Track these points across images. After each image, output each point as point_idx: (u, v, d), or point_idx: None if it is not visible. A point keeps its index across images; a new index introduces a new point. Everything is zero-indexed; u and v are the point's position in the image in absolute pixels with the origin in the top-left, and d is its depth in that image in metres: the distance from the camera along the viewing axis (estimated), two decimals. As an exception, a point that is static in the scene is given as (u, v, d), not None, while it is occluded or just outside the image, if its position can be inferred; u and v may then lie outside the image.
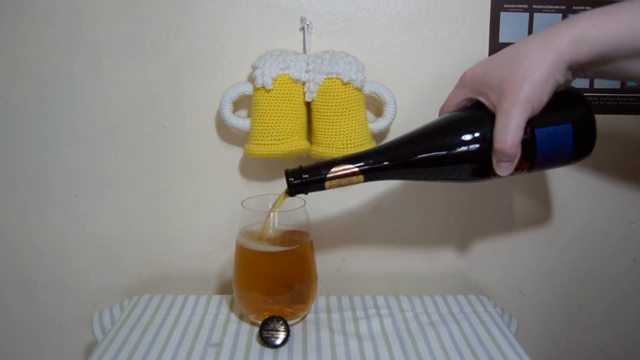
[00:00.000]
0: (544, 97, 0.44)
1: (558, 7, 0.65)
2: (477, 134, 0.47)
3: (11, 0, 0.63)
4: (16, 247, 0.70)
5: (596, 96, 0.67)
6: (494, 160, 0.46)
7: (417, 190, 0.69)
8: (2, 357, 0.73)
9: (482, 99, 0.48)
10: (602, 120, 0.68)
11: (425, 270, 0.71)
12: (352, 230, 0.70)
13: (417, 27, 0.64)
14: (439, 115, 0.53)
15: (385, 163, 0.49)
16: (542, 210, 0.70)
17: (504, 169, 0.46)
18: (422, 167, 0.49)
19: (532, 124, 0.45)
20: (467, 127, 0.47)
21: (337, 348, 0.53)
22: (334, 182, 0.50)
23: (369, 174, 0.49)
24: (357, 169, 0.49)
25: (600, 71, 0.44)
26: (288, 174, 0.50)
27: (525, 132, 0.44)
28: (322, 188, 0.50)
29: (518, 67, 0.44)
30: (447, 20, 0.64)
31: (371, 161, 0.49)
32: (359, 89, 0.60)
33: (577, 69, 0.44)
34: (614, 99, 0.68)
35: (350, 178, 0.49)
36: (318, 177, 0.50)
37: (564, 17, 0.65)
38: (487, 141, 0.46)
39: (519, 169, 0.47)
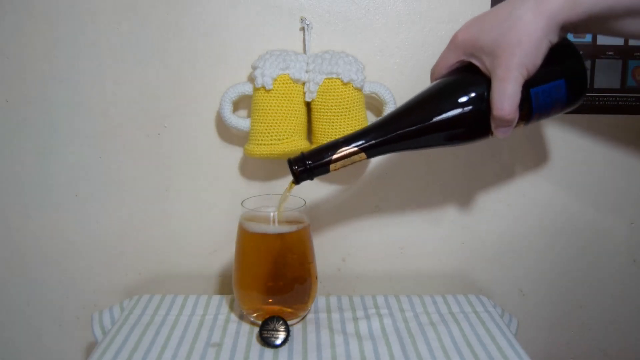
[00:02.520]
0: (538, 59, 0.44)
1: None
2: (473, 96, 0.47)
3: (11, 0, 0.63)
4: (16, 247, 0.70)
5: (596, 96, 0.67)
6: (493, 125, 0.47)
7: (417, 190, 0.69)
8: (2, 357, 0.73)
9: (475, 62, 0.48)
10: (602, 120, 0.68)
11: (425, 270, 0.71)
12: (352, 230, 0.70)
13: (417, 27, 0.64)
14: (431, 77, 0.52)
15: (386, 137, 0.50)
16: (542, 210, 0.70)
17: (503, 132, 0.47)
18: (423, 135, 0.49)
19: (527, 84, 0.45)
20: (463, 90, 0.48)
21: (337, 348, 0.53)
22: (337, 164, 0.50)
23: (371, 151, 0.50)
24: (358, 148, 0.50)
25: (592, 29, 0.45)
26: (291, 163, 0.51)
27: (521, 93, 0.45)
28: (327, 171, 0.51)
29: (511, 31, 0.44)
30: (447, 20, 0.64)
31: (372, 138, 0.50)
32: (359, 89, 0.60)
33: (569, 28, 0.44)
34: (614, 99, 0.68)
35: (353, 157, 0.50)
36: (321, 161, 0.50)
37: (564, 17, 0.65)
38: (484, 102, 0.47)
39: (516, 126, 0.48)
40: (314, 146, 0.62)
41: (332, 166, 0.50)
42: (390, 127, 0.50)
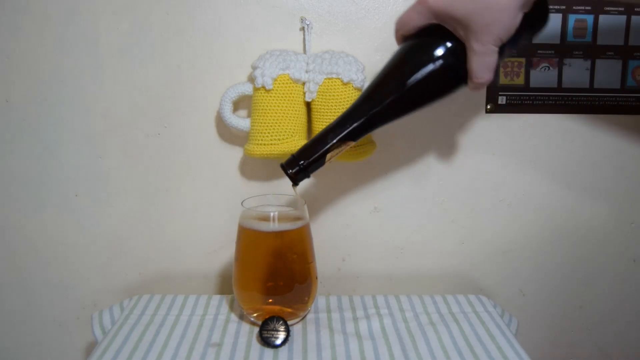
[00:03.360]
0: (513, 29, 0.45)
1: (558, 7, 0.65)
2: (448, 58, 0.48)
3: (11, 0, 0.63)
4: (16, 247, 0.70)
5: (596, 96, 0.67)
6: (471, 86, 0.49)
7: (417, 190, 0.69)
8: (2, 357, 0.73)
9: (447, 27, 0.48)
10: (602, 120, 0.68)
11: (425, 270, 0.71)
12: (352, 230, 0.70)
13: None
14: (396, 34, 0.52)
15: (368, 118, 0.50)
16: (542, 210, 0.70)
17: (480, 90, 0.50)
18: (404, 103, 0.50)
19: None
20: (436, 52, 0.48)
21: (337, 348, 0.53)
22: (328, 155, 0.50)
23: (359, 135, 0.51)
24: (345, 137, 0.50)
25: None
26: (284, 167, 0.51)
27: None
28: (322, 165, 0.51)
29: (487, 9, 0.44)
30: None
31: (356, 123, 0.50)
32: (359, 89, 0.60)
33: None
34: (613, 99, 0.68)
35: (341, 148, 0.51)
36: (314, 156, 0.50)
37: (564, 17, 0.65)
38: (458, 60, 0.47)
39: None
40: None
41: (326, 157, 0.51)
42: (372, 105, 0.50)
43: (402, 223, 0.70)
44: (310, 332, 0.56)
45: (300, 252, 0.57)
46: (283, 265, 0.57)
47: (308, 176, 0.52)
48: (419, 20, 0.49)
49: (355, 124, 0.50)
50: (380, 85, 0.51)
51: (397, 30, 0.51)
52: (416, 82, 0.48)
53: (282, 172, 0.67)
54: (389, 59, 0.51)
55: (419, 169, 0.68)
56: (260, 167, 0.67)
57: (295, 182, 0.52)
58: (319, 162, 0.51)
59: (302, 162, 0.50)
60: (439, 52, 0.48)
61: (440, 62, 0.48)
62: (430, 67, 0.48)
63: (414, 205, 0.69)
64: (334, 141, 0.50)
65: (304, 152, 0.51)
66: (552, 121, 0.68)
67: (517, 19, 0.45)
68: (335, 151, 0.51)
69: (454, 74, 0.49)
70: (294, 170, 0.51)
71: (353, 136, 0.51)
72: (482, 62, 0.46)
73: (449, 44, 0.48)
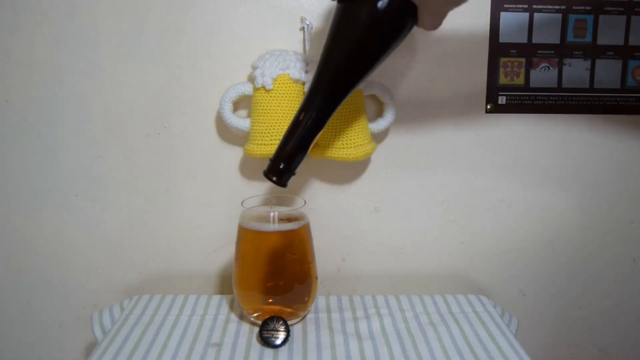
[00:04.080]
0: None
1: (558, 7, 0.65)
2: (396, 11, 0.47)
3: (11, 0, 0.63)
4: (16, 247, 0.70)
5: (596, 96, 0.67)
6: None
7: (417, 190, 0.69)
8: (2, 357, 0.73)
9: None
10: (602, 120, 0.68)
11: (425, 270, 0.71)
12: (352, 230, 0.70)
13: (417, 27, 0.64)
14: None
15: (332, 92, 0.49)
16: (542, 210, 0.70)
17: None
18: (361, 64, 0.49)
19: None
20: (383, 4, 0.47)
21: (337, 348, 0.53)
22: (308, 146, 0.50)
23: (329, 113, 0.50)
24: (316, 121, 0.49)
25: None
26: (267, 175, 0.50)
27: None
28: (303, 157, 0.51)
29: None
30: (447, 20, 0.64)
31: (322, 102, 0.49)
32: (359, 90, 0.60)
33: None
34: (614, 99, 0.68)
35: (316, 132, 0.50)
36: (290, 155, 0.50)
37: (564, 17, 0.65)
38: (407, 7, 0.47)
39: None
40: (313, 146, 0.62)
41: (306, 149, 0.50)
42: (331, 75, 0.49)
43: (402, 223, 0.70)
44: (310, 332, 0.56)
45: (300, 252, 0.57)
46: (283, 265, 0.57)
47: (293, 174, 0.51)
48: None
49: (321, 103, 0.49)
50: (333, 52, 0.49)
51: None
52: (367, 39, 0.47)
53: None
54: (331, 23, 0.50)
55: (419, 169, 0.68)
56: (260, 167, 0.67)
57: (283, 185, 0.51)
58: (299, 156, 0.50)
59: (281, 164, 0.50)
60: (384, 5, 0.46)
61: (391, 8, 0.46)
62: (380, 21, 0.47)
63: (414, 205, 0.69)
64: (305, 130, 0.49)
65: (280, 153, 0.50)
66: (552, 121, 0.68)
67: None
68: (312, 139, 0.49)
69: (403, 21, 0.48)
70: (276, 176, 0.50)
71: (323, 116, 0.49)
72: (435, 22, 0.48)
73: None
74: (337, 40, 0.49)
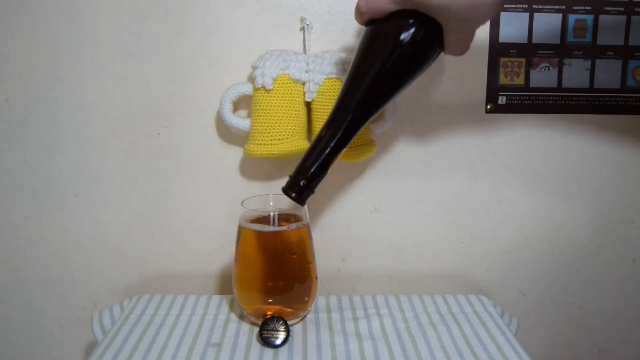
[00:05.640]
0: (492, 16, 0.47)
1: (558, 7, 0.65)
2: (424, 36, 0.47)
3: (11, 0, 0.63)
4: (16, 247, 0.70)
5: (596, 96, 0.67)
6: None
7: (417, 190, 0.69)
8: (2, 357, 0.73)
9: (421, 9, 0.46)
10: (602, 120, 0.68)
11: (425, 270, 0.71)
12: (352, 230, 0.70)
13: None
14: (362, 18, 0.49)
15: (358, 112, 0.49)
16: (541, 210, 0.70)
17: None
18: (389, 87, 0.49)
19: None
20: (413, 31, 0.47)
21: (337, 348, 0.53)
22: (329, 168, 0.49)
23: (353, 133, 0.49)
24: (340, 140, 0.48)
25: None
26: (286, 191, 0.50)
27: None
28: (324, 176, 0.50)
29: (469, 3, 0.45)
30: (447, 20, 0.64)
31: (347, 122, 0.48)
32: (359, 89, 0.60)
33: None
34: (614, 99, 0.68)
35: (339, 152, 0.49)
36: (312, 172, 0.49)
37: (564, 17, 0.65)
38: (434, 32, 0.47)
39: None
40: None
41: (327, 168, 0.49)
42: (359, 96, 0.48)
43: (402, 223, 0.70)
44: (310, 332, 0.56)
45: (300, 252, 0.57)
46: (283, 265, 0.57)
47: (313, 192, 0.50)
48: (392, 7, 0.47)
49: (347, 123, 0.48)
50: (361, 74, 0.49)
51: (362, 14, 0.49)
52: (396, 63, 0.47)
53: (282, 172, 0.68)
54: (360, 44, 0.50)
55: (419, 169, 0.68)
56: (260, 167, 0.67)
57: (301, 203, 0.50)
58: (321, 175, 0.49)
59: (302, 181, 0.49)
60: (414, 31, 0.47)
61: (416, 39, 0.47)
62: (408, 46, 0.47)
63: (414, 205, 0.69)
64: (329, 149, 0.48)
65: (301, 169, 0.49)
66: (552, 121, 0.68)
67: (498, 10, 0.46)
68: (334, 157, 0.49)
69: (431, 47, 0.48)
70: (296, 193, 0.49)
71: (348, 135, 0.49)
72: (461, 44, 0.47)
73: (421, 24, 0.46)
74: (364, 64, 0.49)
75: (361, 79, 0.49)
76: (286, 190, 0.50)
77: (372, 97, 0.49)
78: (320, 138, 0.49)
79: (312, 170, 0.49)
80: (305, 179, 0.49)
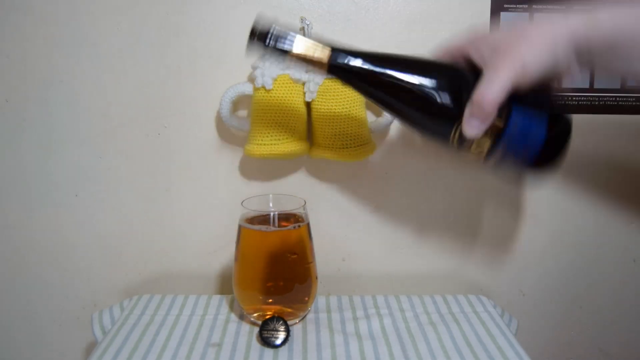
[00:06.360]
0: (537, 64, 0.40)
1: (558, 7, 0.65)
2: (454, 86, 0.44)
3: (11, 0, 0.63)
4: (16, 246, 0.70)
5: (596, 96, 0.67)
6: (466, 114, 0.43)
7: (417, 190, 0.69)
8: (2, 357, 0.73)
9: (475, 57, 0.45)
10: (602, 120, 0.68)
11: (425, 270, 0.71)
12: (352, 230, 0.70)
13: (417, 27, 0.64)
14: (442, 54, 0.49)
15: (357, 66, 0.46)
16: (541, 210, 0.70)
17: (472, 126, 0.43)
18: (392, 93, 0.46)
19: (513, 96, 0.41)
20: (449, 75, 0.45)
21: (337, 348, 0.53)
22: (295, 58, 0.46)
23: (335, 70, 0.46)
24: (327, 57, 0.45)
25: (608, 61, 0.42)
26: (255, 33, 0.45)
27: (504, 103, 0.41)
28: (281, 57, 0.46)
29: (522, 30, 0.42)
30: (447, 20, 0.64)
31: (347, 57, 0.46)
32: (359, 89, 0.60)
33: (584, 53, 0.41)
34: (614, 99, 0.68)
35: (314, 61, 0.45)
36: (281, 47, 0.45)
37: (564, 17, 0.65)
38: (462, 99, 0.43)
39: (480, 143, 0.44)
40: (313, 146, 0.62)
41: (288, 57, 0.45)
42: (368, 61, 0.46)
43: (402, 223, 0.70)
44: (310, 332, 0.56)
45: (300, 252, 0.57)
46: (283, 265, 0.57)
47: (266, 45, 0.45)
48: (457, 51, 0.46)
49: (344, 60, 0.45)
50: (393, 61, 0.47)
51: (445, 52, 0.49)
52: (421, 91, 0.45)
53: (281, 172, 0.68)
54: (424, 56, 0.48)
55: (419, 169, 0.68)
56: (260, 167, 0.67)
57: (251, 41, 0.46)
58: (281, 55, 0.45)
59: (270, 42, 0.45)
60: (454, 81, 0.45)
61: (448, 92, 0.44)
62: (436, 94, 0.45)
63: (414, 205, 0.69)
64: (310, 52, 0.45)
65: (278, 34, 0.45)
66: (552, 121, 0.68)
67: (547, 51, 0.40)
68: (303, 60, 0.45)
69: (451, 113, 0.45)
70: (257, 40, 0.45)
71: (334, 65, 0.46)
72: (492, 77, 0.41)
73: (465, 82, 0.44)
74: (403, 65, 0.46)
75: (396, 70, 0.46)
76: (255, 33, 0.45)
77: (383, 87, 0.46)
78: (325, 42, 0.46)
79: (284, 47, 0.45)
80: (274, 44, 0.45)
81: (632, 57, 0.41)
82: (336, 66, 0.46)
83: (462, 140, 0.44)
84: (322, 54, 0.46)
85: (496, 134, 0.44)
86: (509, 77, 0.41)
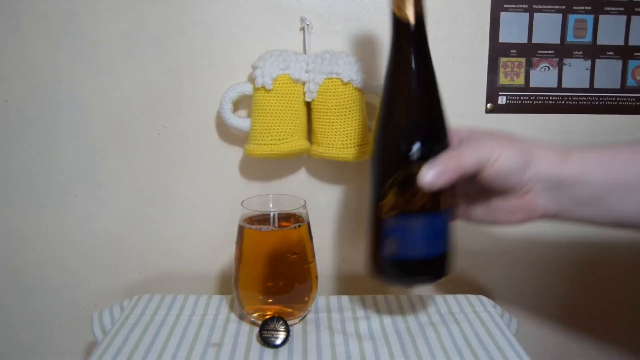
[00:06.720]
0: (502, 165, 0.43)
1: (558, 7, 0.65)
2: (438, 137, 0.47)
3: (11, 0, 0.63)
4: (16, 247, 0.70)
5: (596, 96, 0.67)
6: (431, 162, 0.45)
7: (417, 190, 0.69)
8: (2, 357, 0.73)
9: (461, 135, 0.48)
10: (602, 120, 0.68)
11: (425, 270, 0.71)
12: (352, 230, 0.70)
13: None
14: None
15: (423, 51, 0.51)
16: (542, 210, 0.70)
17: (429, 175, 0.44)
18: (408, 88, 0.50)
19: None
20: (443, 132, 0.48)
21: (337, 348, 0.53)
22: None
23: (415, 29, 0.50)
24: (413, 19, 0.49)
25: (574, 204, 0.46)
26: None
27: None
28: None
29: (505, 135, 0.45)
30: (447, 20, 0.64)
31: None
32: (359, 89, 0.60)
33: (554, 189, 0.45)
34: (614, 99, 0.68)
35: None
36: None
37: (564, 17, 0.65)
38: (433, 150, 0.46)
39: (396, 202, 0.48)
40: (313, 146, 0.62)
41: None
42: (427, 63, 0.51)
43: (402, 223, 0.70)
44: (310, 332, 0.56)
45: (300, 252, 0.57)
46: (283, 265, 0.57)
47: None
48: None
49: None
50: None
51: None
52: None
53: (281, 171, 0.68)
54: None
55: (419, 169, 0.68)
56: (260, 167, 0.67)
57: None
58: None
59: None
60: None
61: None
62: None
63: (414, 205, 0.69)
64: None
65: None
66: (552, 121, 0.68)
67: (516, 157, 0.44)
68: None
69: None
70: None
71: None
72: (452, 156, 0.44)
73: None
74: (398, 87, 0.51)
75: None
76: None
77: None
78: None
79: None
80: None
81: (605, 199, 0.44)
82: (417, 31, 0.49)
83: (396, 179, 0.47)
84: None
85: (412, 208, 0.47)
86: (469, 161, 0.44)
